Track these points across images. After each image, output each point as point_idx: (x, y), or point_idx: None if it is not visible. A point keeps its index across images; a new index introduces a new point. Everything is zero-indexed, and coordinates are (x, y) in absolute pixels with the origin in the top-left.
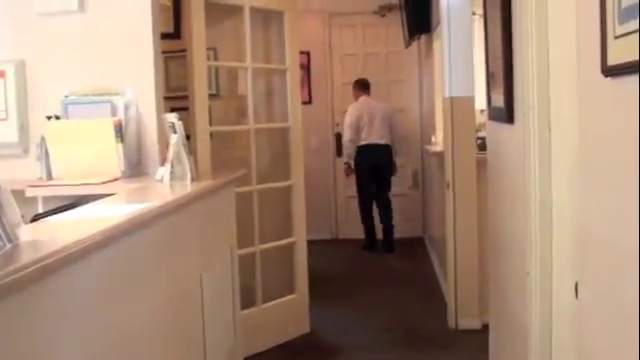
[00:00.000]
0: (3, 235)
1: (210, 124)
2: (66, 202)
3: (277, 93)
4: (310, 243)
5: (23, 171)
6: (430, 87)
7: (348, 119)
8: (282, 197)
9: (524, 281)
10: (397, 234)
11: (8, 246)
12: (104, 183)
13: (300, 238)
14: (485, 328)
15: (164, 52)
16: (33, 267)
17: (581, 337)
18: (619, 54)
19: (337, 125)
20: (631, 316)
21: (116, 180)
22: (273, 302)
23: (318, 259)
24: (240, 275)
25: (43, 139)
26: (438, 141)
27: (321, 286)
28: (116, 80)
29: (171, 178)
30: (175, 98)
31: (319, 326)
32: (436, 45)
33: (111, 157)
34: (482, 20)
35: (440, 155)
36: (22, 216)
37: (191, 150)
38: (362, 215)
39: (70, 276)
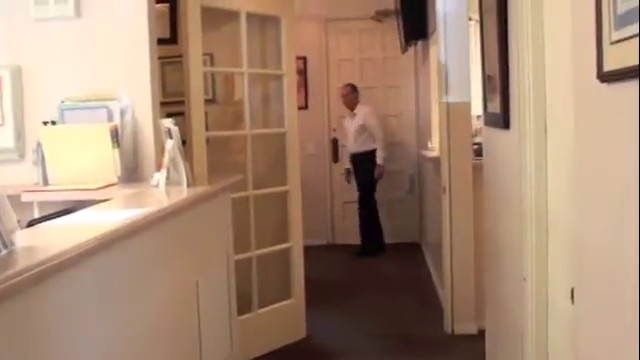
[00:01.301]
0: None
1: (206, 129)
2: (62, 207)
3: (273, 98)
4: (306, 248)
5: (19, 176)
6: (426, 92)
7: (376, 122)
8: (278, 202)
9: (520, 286)
10: (393, 239)
11: (4, 252)
12: (100, 188)
13: (296, 243)
14: (481, 333)
15: (160, 57)
16: (29, 273)
17: (577, 343)
18: (615, 60)
19: (334, 130)
20: (627, 322)
21: (112, 185)
22: (269, 307)
23: (314, 264)
24: (236, 281)
25: (39, 144)
26: (434, 146)
27: (317, 291)
28: (112, 85)
29: (167, 183)
30: (171, 103)
31: (315, 331)
32: (432, 51)
33: (107, 162)
34: (478, 26)
35: (436, 160)
36: (18, 221)
37: (187, 155)
38: (376, 217)
39: (66, 281)
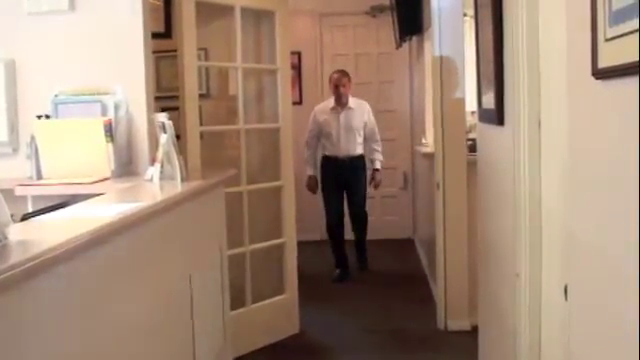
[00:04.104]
0: None
1: (200, 124)
2: (56, 201)
3: (268, 93)
4: (300, 244)
5: (13, 170)
6: (421, 88)
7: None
8: (272, 197)
9: (513, 283)
10: (386, 235)
11: None
12: (94, 183)
13: (290, 238)
14: (475, 329)
15: (155, 52)
16: (22, 267)
17: (570, 339)
18: (610, 57)
19: None
20: (620, 319)
21: (106, 180)
22: (263, 302)
23: (308, 260)
24: (230, 275)
25: (33, 138)
26: (428, 142)
27: (311, 287)
28: (106, 80)
29: (161, 178)
30: (166, 98)
31: (309, 327)
32: (427, 46)
33: (101, 157)
34: (473, 21)
35: (430, 156)
36: (11, 215)
37: (181, 150)
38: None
39: (59, 276)
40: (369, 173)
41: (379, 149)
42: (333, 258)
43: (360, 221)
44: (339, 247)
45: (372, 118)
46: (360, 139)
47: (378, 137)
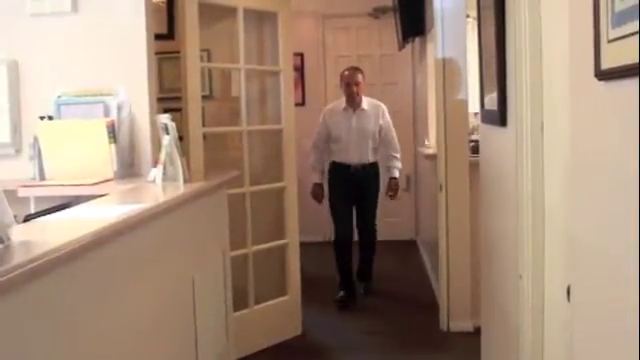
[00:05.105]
0: None
1: (203, 125)
2: (58, 202)
3: (270, 95)
4: (303, 245)
5: (15, 171)
6: (423, 89)
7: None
8: (275, 199)
9: (516, 284)
10: (390, 236)
11: (0, 247)
12: (97, 184)
13: (293, 240)
14: (477, 331)
15: (157, 53)
16: (25, 268)
17: (572, 340)
18: (613, 58)
19: None
20: (623, 320)
21: (109, 181)
22: (265, 304)
23: (310, 261)
24: (232, 277)
25: (36, 139)
26: (431, 143)
27: (313, 288)
28: (109, 81)
29: (163, 179)
30: (168, 99)
31: (311, 328)
32: (430, 48)
33: (104, 158)
34: (476, 23)
35: (433, 157)
36: (14, 216)
37: (184, 151)
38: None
39: (62, 277)
40: (383, 182)
41: (398, 156)
42: (337, 276)
43: (368, 239)
44: (345, 266)
45: (388, 120)
46: (373, 144)
47: (396, 142)
